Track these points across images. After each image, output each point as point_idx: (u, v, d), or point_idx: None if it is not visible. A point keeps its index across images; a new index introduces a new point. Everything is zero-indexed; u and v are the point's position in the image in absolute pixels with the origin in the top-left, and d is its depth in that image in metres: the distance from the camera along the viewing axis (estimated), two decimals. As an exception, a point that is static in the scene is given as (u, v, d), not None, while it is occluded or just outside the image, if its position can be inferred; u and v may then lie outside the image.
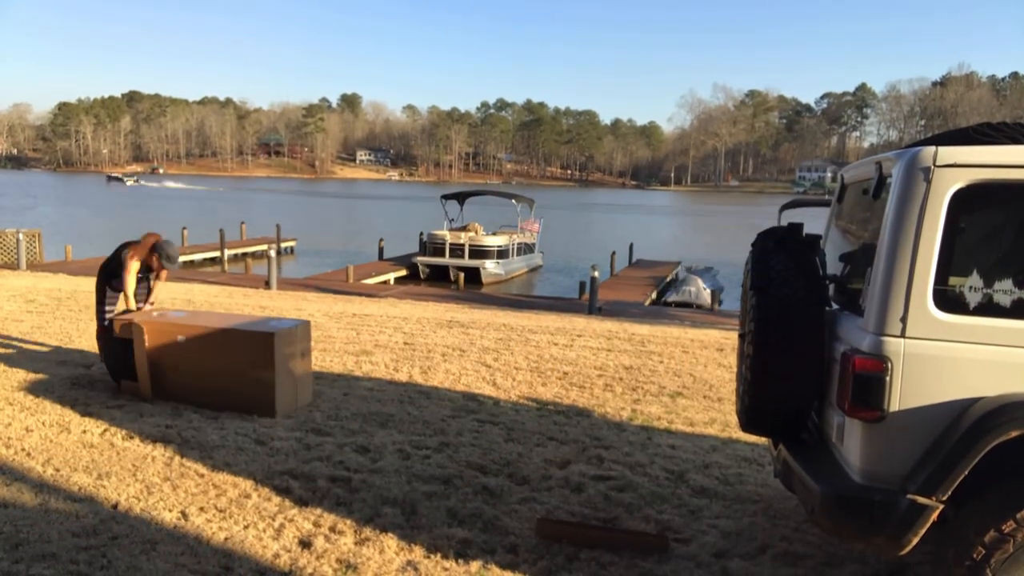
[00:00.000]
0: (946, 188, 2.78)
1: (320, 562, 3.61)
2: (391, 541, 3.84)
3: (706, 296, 19.32)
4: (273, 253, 16.24)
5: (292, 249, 31.35)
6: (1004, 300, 2.83)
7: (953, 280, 2.86)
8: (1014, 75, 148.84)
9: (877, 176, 3.19)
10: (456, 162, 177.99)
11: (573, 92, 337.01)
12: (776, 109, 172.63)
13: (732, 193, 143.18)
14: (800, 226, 3.52)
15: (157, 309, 6.79)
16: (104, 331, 6.53)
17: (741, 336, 3.79)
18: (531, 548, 3.83)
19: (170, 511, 4.07)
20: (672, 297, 20.16)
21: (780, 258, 3.30)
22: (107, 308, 6.61)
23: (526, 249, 27.88)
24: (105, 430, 5.35)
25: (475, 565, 3.64)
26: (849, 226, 3.87)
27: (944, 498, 2.69)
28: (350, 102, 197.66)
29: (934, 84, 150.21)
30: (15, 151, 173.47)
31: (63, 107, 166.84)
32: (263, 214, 48.82)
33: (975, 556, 2.63)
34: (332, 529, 3.95)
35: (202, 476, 4.59)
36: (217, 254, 25.95)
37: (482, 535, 3.96)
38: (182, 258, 24.72)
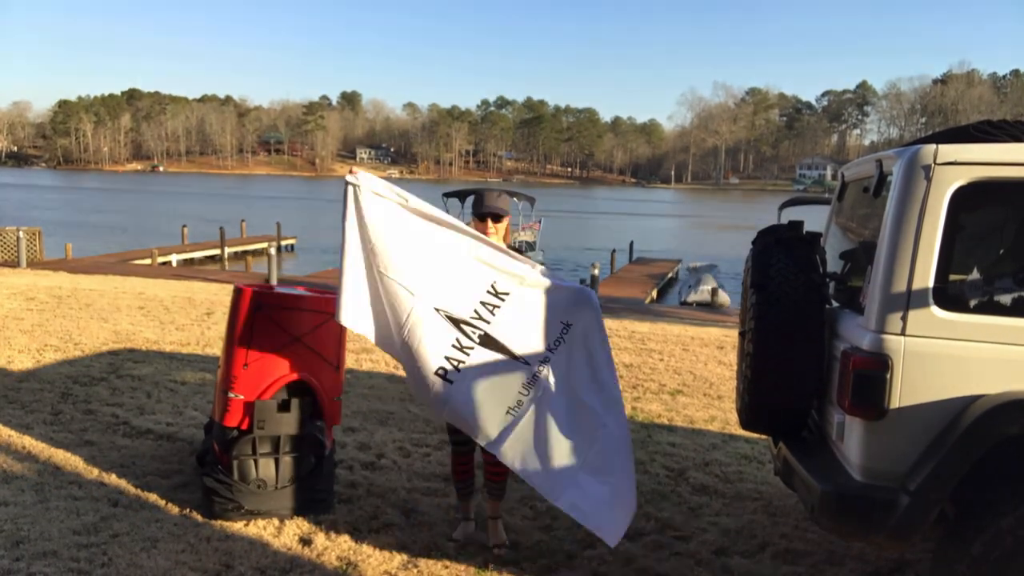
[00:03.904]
0: (947, 186, 2.77)
1: (320, 560, 3.61)
2: (391, 539, 3.84)
3: (721, 295, 18.85)
4: (273, 251, 16.25)
5: (292, 247, 31.36)
6: (1004, 298, 2.83)
7: (953, 278, 2.85)
8: (1015, 72, 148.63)
9: (877, 174, 3.19)
10: (456, 160, 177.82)
11: (573, 90, 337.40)
12: (777, 107, 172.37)
13: (733, 191, 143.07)
14: (800, 224, 3.52)
15: None
16: None
17: (741, 334, 3.79)
18: (531, 546, 3.84)
19: (171, 508, 4.07)
20: (691, 297, 19.78)
21: (780, 256, 3.29)
22: None
23: (527, 247, 27.86)
24: (106, 427, 5.35)
25: (475, 563, 3.65)
26: (849, 224, 3.87)
27: (944, 496, 2.69)
28: (350, 100, 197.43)
29: (935, 81, 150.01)
30: (15, 149, 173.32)
31: (63, 105, 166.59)
32: (263, 212, 48.77)
33: (975, 554, 2.63)
34: (332, 527, 3.94)
35: (202, 474, 4.59)
36: (217, 252, 25.95)
37: (482, 533, 3.96)
38: (182, 256, 24.85)
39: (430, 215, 3.47)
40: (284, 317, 4.03)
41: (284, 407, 3.98)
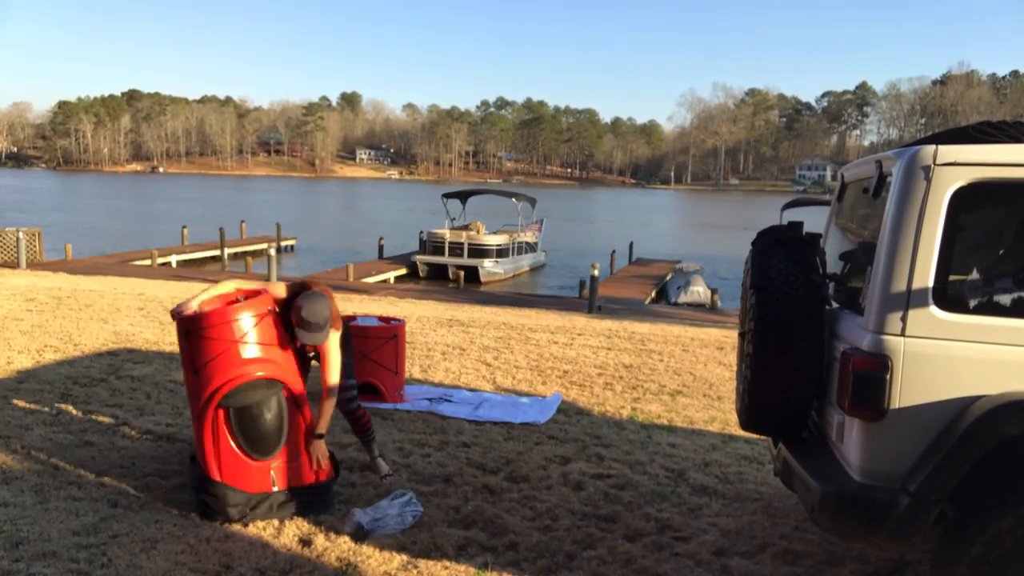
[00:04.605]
0: (946, 187, 2.78)
1: (320, 560, 3.61)
2: (391, 540, 3.83)
3: (709, 295, 19.48)
4: (273, 252, 16.25)
5: (292, 248, 31.35)
6: (1004, 299, 2.83)
7: (953, 279, 2.85)
8: (1014, 73, 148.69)
9: (877, 175, 3.19)
10: (456, 161, 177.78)
11: (573, 91, 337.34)
12: (776, 107, 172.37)
13: (733, 192, 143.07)
14: (800, 224, 3.52)
15: None
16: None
17: (741, 335, 3.79)
18: (531, 547, 3.83)
19: (171, 509, 4.07)
20: (681, 298, 20.13)
21: (780, 257, 3.29)
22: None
23: (527, 248, 27.89)
24: (105, 428, 5.35)
25: (475, 564, 3.64)
26: (849, 225, 3.87)
27: (944, 497, 2.69)
28: (350, 101, 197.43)
29: (934, 82, 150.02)
30: (15, 149, 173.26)
31: (63, 105, 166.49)
32: (263, 212, 48.78)
33: (975, 554, 2.63)
34: (332, 528, 3.94)
35: (202, 475, 4.58)
36: (217, 252, 25.96)
37: (482, 533, 3.96)
38: (183, 257, 24.83)
39: None
40: None
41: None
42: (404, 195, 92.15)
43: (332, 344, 4.14)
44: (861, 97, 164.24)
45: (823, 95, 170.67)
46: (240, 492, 3.92)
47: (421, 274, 24.75)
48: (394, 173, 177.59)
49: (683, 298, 20.05)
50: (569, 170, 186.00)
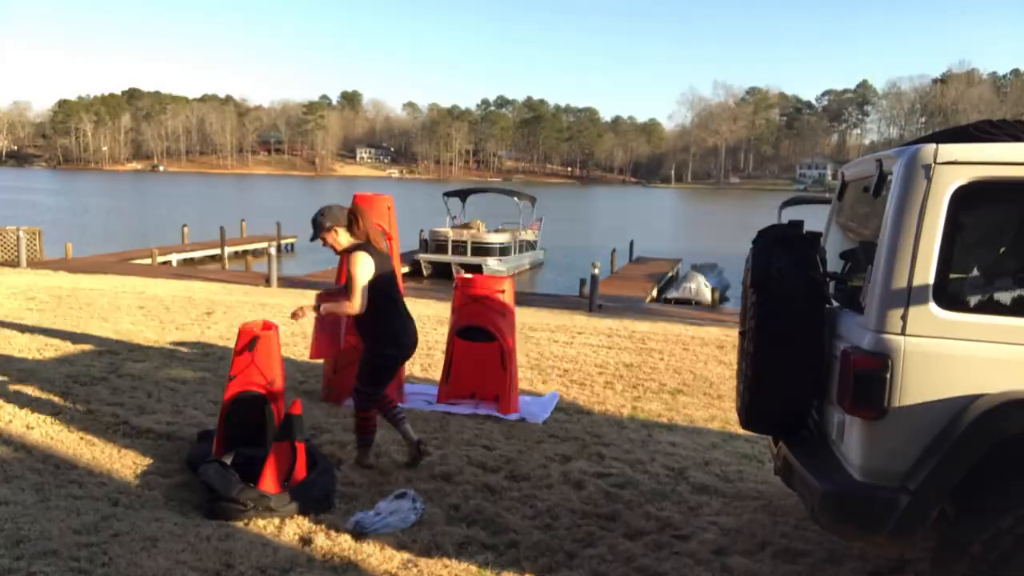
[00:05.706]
0: (947, 185, 2.77)
1: (321, 559, 3.61)
2: (391, 538, 3.84)
3: (706, 293, 19.41)
4: (273, 251, 16.26)
5: (292, 247, 31.33)
6: (1004, 298, 2.83)
7: (954, 277, 2.85)
8: (1015, 72, 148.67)
9: (878, 174, 3.19)
10: (456, 159, 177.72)
11: (573, 89, 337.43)
12: (777, 106, 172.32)
13: (733, 191, 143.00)
14: (800, 223, 3.52)
15: None
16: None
17: (742, 333, 3.79)
18: (531, 545, 3.84)
19: (171, 508, 4.07)
20: (672, 294, 20.20)
21: (780, 255, 3.29)
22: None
23: (528, 246, 27.91)
24: (106, 426, 5.35)
25: (476, 562, 3.65)
26: (850, 223, 3.87)
27: (944, 495, 2.69)
28: (350, 99, 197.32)
29: (935, 81, 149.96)
30: (15, 148, 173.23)
31: (63, 104, 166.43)
32: (263, 211, 48.73)
33: (975, 554, 2.63)
34: (333, 527, 3.94)
35: (203, 473, 4.58)
36: (217, 251, 25.95)
37: (482, 532, 3.96)
38: (182, 256, 24.83)
39: None
40: None
41: None
42: (404, 194, 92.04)
43: (354, 259, 4.35)
44: (862, 96, 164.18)
45: (824, 93, 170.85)
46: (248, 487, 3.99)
47: (424, 273, 24.75)
48: (394, 172, 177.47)
49: (674, 294, 20.09)
50: (569, 169, 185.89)
